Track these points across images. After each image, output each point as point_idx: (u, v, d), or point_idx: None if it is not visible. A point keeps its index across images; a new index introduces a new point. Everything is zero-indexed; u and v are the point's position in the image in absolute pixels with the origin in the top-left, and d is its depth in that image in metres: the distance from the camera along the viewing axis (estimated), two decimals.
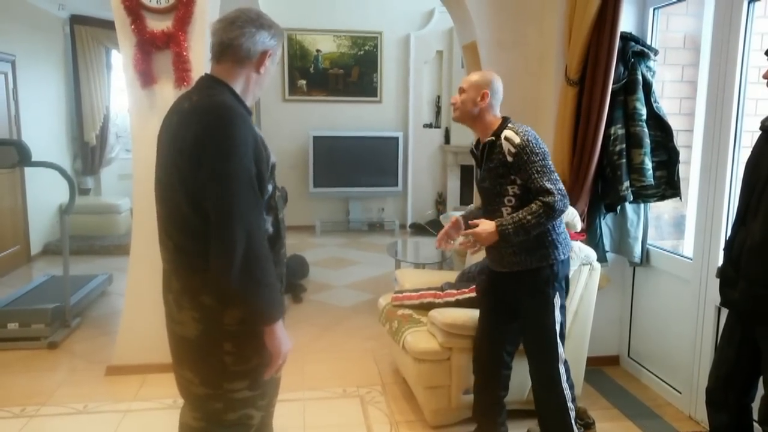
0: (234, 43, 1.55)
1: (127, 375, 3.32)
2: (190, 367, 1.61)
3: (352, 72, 7.57)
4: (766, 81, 1.98)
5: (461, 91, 2.30)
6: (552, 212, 2.13)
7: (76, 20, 6.67)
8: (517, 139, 2.16)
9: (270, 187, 1.58)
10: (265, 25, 1.60)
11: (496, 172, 2.22)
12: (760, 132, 2.06)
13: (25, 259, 5.88)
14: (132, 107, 3.22)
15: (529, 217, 2.12)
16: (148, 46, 3.09)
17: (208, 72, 1.63)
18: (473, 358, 2.59)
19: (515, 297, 2.36)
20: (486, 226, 2.16)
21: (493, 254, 2.35)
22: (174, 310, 1.60)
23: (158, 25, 3.09)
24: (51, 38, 6.49)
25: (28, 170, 5.69)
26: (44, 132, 6.22)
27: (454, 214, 5.68)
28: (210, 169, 1.44)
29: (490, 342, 2.51)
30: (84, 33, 6.71)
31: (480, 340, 2.55)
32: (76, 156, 7.01)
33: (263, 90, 1.72)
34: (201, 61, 3.16)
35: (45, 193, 6.15)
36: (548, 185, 2.13)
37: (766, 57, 1.97)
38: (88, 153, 6.98)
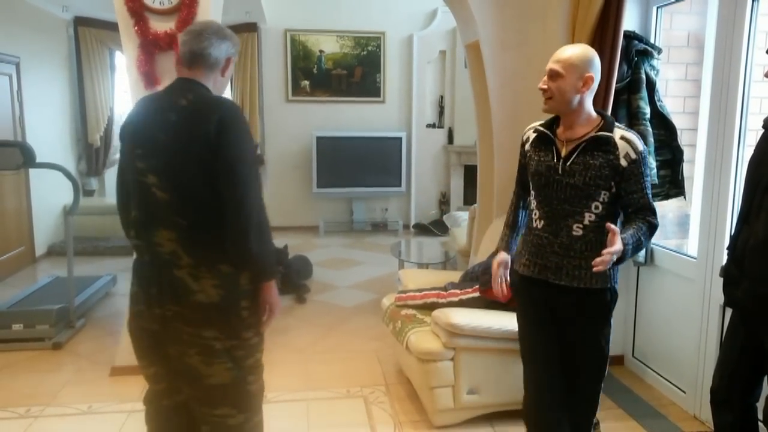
0: (204, 52, 1.85)
1: (132, 375, 3.30)
2: (215, 327, 1.85)
3: (355, 72, 7.57)
4: (766, 80, 1.97)
5: (555, 75, 1.91)
6: (653, 235, 1.96)
7: (79, 22, 6.69)
8: (640, 145, 1.91)
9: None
10: (228, 36, 1.91)
11: (597, 172, 1.91)
12: (762, 130, 2.05)
13: (29, 260, 5.90)
14: None
15: (643, 239, 1.88)
16: (152, 47, 3.09)
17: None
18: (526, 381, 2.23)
19: (568, 316, 2.05)
20: (619, 246, 1.80)
21: (549, 260, 2.02)
22: (189, 282, 1.81)
23: (161, 26, 3.10)
24: (55, 40, 6.51)
25: (32, 172, 5.71)
26: (48, 133, 6.24)
27: (457, 214, 5.70)
28: (231, 153, 1.75)
29: (544, 361, 2.15)
30: (87, 34, 6.73)
31: (531, 360, 2.20)
32: (80, 157, 7.04)
33: (222, 91, 1.98)
34: None
35: (49, 195, 6.17)
36: (654, 205, 1.95)
37: (767, 54, 1.97)
38: (92, 154, 7.00)
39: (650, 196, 1.95)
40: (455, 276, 3.39)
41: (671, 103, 3.23)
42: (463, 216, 5.31)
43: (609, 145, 1.92)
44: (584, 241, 1.96)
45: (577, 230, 1.96)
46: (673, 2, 3.18)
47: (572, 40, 3.17)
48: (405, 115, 7.72)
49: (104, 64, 6.92)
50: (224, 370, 1.88)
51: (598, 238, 1.93)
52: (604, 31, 2.98)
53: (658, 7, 3.25)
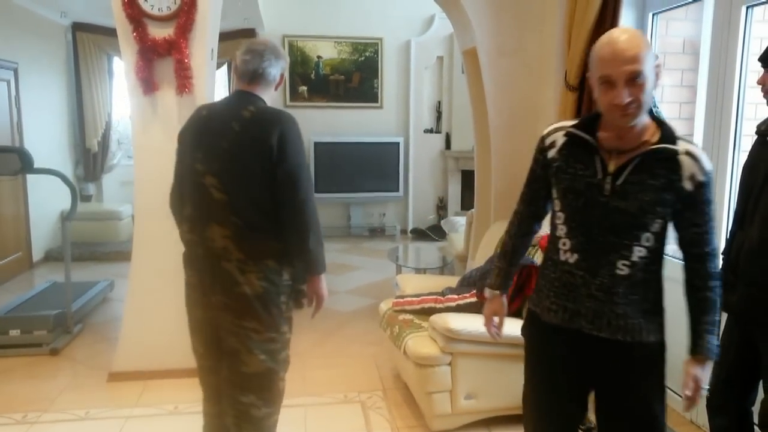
0: (264, 72, 2.08)
1: (129, 381, 3.32)
2: (256, 318, 2.04)
3: (353, 78, 7.59)
4: (760, 86, 1.99)
5: (637, 78, 1.42)
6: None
7: (78, 27, 6.71)
8: (707, 164, 1.51)
9: None
10: (282, 55, 2.15)
11: (657, 196, 1.50)
12: (756, 136, 2.07)
13: (27, 265, 5.89)
14: (134, 114, 3.24)
15: (717, 317, 1.62)
16: (150, 53, 3.10)
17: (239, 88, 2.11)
18: None
19: (608, 377, 1.66)
20: (699, 373, 1.61)
21: (584, 305, 1.60)
22: (236, 275, 2.01)
23: (160, 32, 3.11)
24: (53, 45, 6.52)
25: (29, 177, 5.71)
26: (46, 139, 6.24)
27: (454, 219, 5.71)
28: (293, 161, 1.97)
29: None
30: (86, 40, 6.75)
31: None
32: (78, 162, 7.04)
33: (274, 102, 2.19)
34: (202, 68, 3.18)
35: (47, 200, 6.16)
36: (716, 242, 1.59)
37: (759, 63, 1.99)
38: (90, 159, 7.01)
39: (714, 230, 1.56)
40: (453, 281, 3.40)
41: (667, 109, 3.25)
42: (461, 221, 5.32)
43: (672, 161, 1.50)
44: (630, 282, 1.56)
45: (623, 268, 1.55)
46: (669, 9, 3.20)
47: (568, 46, 3.20)
48: (402, 120, 7.74)
49: (102, 70, 6.94)
50: (259, 362, 2.07)
51: (646, 279, 1.58)
52: (600, 37, 2.99)
53: (653, 14, 3.27)
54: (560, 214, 1.64)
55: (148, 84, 3.14)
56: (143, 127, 3.23)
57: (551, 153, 1.66)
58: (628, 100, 1.43)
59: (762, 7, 2.68)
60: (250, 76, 2.07)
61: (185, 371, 3.23)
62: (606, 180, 1.54)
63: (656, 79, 1.48)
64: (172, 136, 3.18)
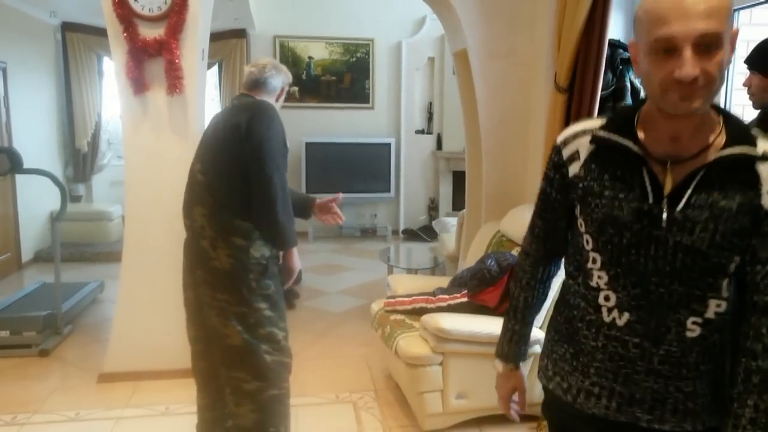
0: (266, 80, 2.34)
1: (119, 382, 3.31)
2: (227, 291, 2.17)
3: (345, 78, 7.59)
4: (746, 88, 2.03)
5: (711, 40, 0.97)
6: None
7: (67, 27, 6.67)
8: None
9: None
10: (284, 71, 2.41)
11: (733, 223, 1.05)
12: None
13: (15, 266, 5.84)
14: (124, 114, 3.23)
15: None
16: (140, 53, 3.10)
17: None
18: None
19: None
20: None
21: (641, 387, 1.15)
22: (209, 251, 2.18)
23: (150, 32, 3.11)
24: (42, 45, 6.48)
25: (19, 177, 5.67)
26: (35, 139, 6.20)
27: (446, 220, 5.73)
28: (258, 138, 2.11)
29: None
30: (75, 40, 6.71)
31: None
32: (68, 163, 6.99)
33: None
34: (193, 69, 3.18)
35: (36, 201, 6.12)
36: None
37: (746, 65, 2.02)
38: (80, 160, 6.97)
39: None
40: (444, 281, 3.42)
41: None
42: (452, 222, 5.34)
43: (748, 171, 1.05)
44: (702, 347, 1.12)
45: (694, 328, 1.10)
46: None
47: (558, 49, 3.22)
48: (394, 121, 7.76)
49: (92, 70, 6.90)
50: (236, 333, 2.18)
51: (721, 341, 1.13)
52: (589, 39, 3.03)
53: None
54: (594, 256, 1.16)
55: (138, 84, 3.14)
56: (134, 127, 3.22)
57: (573, 169, 1.19)
58: (695, 73, 0.96)
59: (748, 10, 2.72)
60: (251, 84, 2.33)
61: (177, 372, 3.24)
62: (661, 205, 1.07)
63: (731, 53, 1.03)
64: (162, 137, 3.22)
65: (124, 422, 2.92)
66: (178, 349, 3.29)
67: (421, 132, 7.91)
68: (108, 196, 7.33)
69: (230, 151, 2.16)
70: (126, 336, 3.34)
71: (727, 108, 2.64)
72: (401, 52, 7.56)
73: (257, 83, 2.34)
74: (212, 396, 2.36)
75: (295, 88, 7.45)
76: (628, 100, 3.11)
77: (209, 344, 2.28)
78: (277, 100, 2.40)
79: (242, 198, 2.15)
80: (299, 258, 2.34)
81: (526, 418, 2.83)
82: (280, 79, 2.39)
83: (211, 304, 2.21)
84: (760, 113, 2.02)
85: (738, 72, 2.67)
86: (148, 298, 3.27)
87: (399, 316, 3.09)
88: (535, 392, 2.83)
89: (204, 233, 2.20)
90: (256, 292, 2.20)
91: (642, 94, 3.16)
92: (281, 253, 2.31)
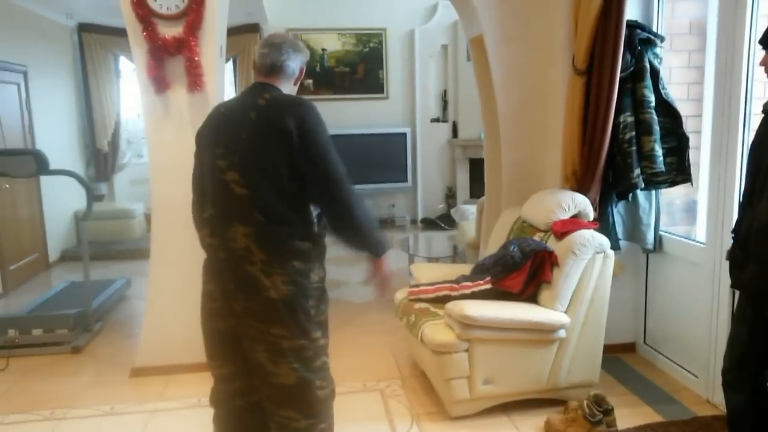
0: (283, 65, 1.99)
1: (152, 376, 3.38)
2: (283, 324, 1.89)
3: (358, 69, 7.60)
4: (763, 68, 2.00)
5: None
6: None
7: (83, 28, 6.75)
8: None
9: None
10: (301, 49, 2.06)
11: None
12: (763, 115, 2.08)
13: (43, 266, 5.97)
14: (146, 113, 3.27)
15: None
16: (160, 52, 3.14)
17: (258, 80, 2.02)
18: None
19: None
20: None
21: None
22: (261, 278, 1.87)
23: (169, 31, 3.14)
24: (60, 47, 6.57)
25: (43, 179, 5.78)
26: (57, 140, 6.30)
27: (464, 208, 5.72)
28: (319, 144, 1.87)
29: None
30: (92, 41, 6.79)
31: None
32: (89, 163, 7.11)
33: None
34: (213, 66, 3.21)
35: (60, 201, 6.24)
36: None
37: (760, 45, 2.00)
38: (101, 159, 7.08)
39: None
40: (466, 269, 3.43)
41: (675, 91, 3.25)
42: (471, 209, 5.34)
43: None
44: None
45: None
46: None
47: (575, 31, 3.20)
48: (409, 110, 7.75)
49: (109, 70, 6.99)
50: (290, 371, 1.92)
51: None
52: (607, 21, 3.00)
53: None
54: None
55: (159, 83, 3.18)
56: (156, 125, 3.26)
57: None
58: None
59: None
60: (267, 69, 2.00)
61: (207, 365, 3.30)
62: None
63: None
64: (184, 134, 3.26)
65: (158, 414, 2.99)
66: None
67: (437, 120, 7.90)
68: (129, 194, 7.44)
69: (281, 160, 1.84)
70: (157, 330, 3.41)
71: (748, 84, 2.61)
72: (414, 40, 7.54)
73: (274, 68, 2.00)
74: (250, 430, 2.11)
75: (310, 81, 7.47)
76: (648, 81, 3.08)
77: (253, 380, 2.00)
78: (295, 84, 2.10)
79: (300, 214, 1.89)
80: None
81: (553, 402, 2.86)
82: (299, 59, 2.05)
83: (259, 339, 1.91)
84: None
85: (759, 49, 2.62)
86: (176, 293, 3.32)
87: (423, 305, 3.11)
88: (562, 376, 2.86)
89: (251, 257, 1.87)
90: (314, 320, 1.95)
91: (661, 74, 3.13)
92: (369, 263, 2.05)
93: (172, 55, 3.17)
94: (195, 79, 3.16)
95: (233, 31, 6.79)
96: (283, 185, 1.85)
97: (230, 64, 7.24)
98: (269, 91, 1.96)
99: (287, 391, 1.94)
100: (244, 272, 1.88)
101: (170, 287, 3.37)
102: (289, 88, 2.04)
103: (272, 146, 1.84)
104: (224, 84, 3.57)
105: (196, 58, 3.15)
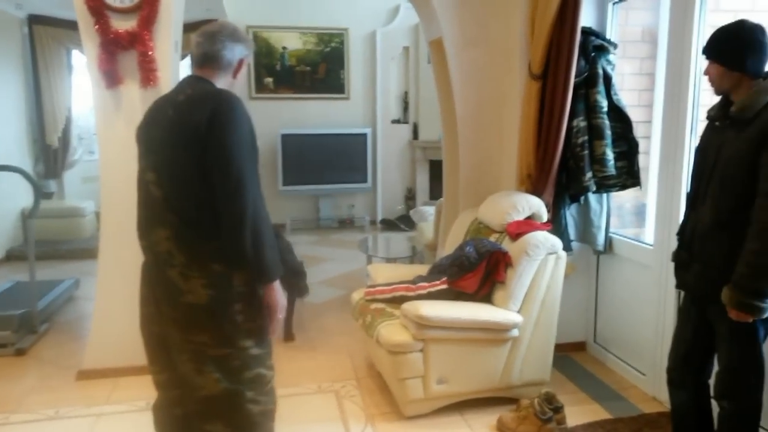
0: (217, 54, 1.84)
1: (99, 379, 3.28)
2: (204, 331, 1.76)
3: (319, 69, 7.56)
4: (707, 77, 2.08)
5: None
6: None
7: (34, 20, 6.50)
8: None
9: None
10: (241, 39, 1.90)
11: None
12: (707, 121, 2.17)
13: None
14: (97, 108, 3.18)
15: None
16: (113, 46, 3.05)
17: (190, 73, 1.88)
18: None
19: None
20: None
21: None
22: (179, 283, 1.75)
23: (122, 24, 3.06)
24: (8, 39, 6.32)
25: None
26: (4, 135, 6.06)
27: (423, 209, 5.76)
28: (224, 142, 1.67)
29: None
30: (43, 33, 6.55)
31: None
32: (38, 159, 6.85)
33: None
34: (167, 61, 3.14)
35: (5, 199, 6.00)
36: None
37: (703, 56, 2.08)
38: (50, 156, 6.83)
39: None
40: (423, 270, 3.45)
41: (627, 97, 3.34)
42: (430, 211, 5.37)
43: None
44: None
45: None
46: None
47: (532, 36, 3.25)
48: (370, 111, 7.75)
49: (61, 64, 6.75)
50: (214, 382, 1.78)
51: None
52: (562, 27, 3.06)
53: (613, 4, 3.36)
54: None
55: (111, 77, 3.09)
56: (107, 120, 3.18)
57: None
58: None
59: None
60: (200, 59, 1.85)
61: (148, 369, 3.24)
62: None
63: None
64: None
65: (104, 418, 2.90)
66: None
67: (397, 121, 7.92)
68: (80, 192, 7.21)
69: (191, 158, 1.69)
70: (105, 332, 3.31)
71: (696, 92, 2.71)
72: (376, 41, 7.55)
73: (206, 58, 1.84)
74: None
75: (270, 79, 7.40)
76: (601, 87, 3.15)
77: (183, 390, 1.88)
78: (234, 76, 1.92)
79: (213, 215, 1.71)
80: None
81: (506, 400, 2.90)
82: (238, 50, 1.88)
83: (182, 348, 1.79)
84: (722, 98, 2.08)
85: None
86: (125, 294, 3.21)
87: (379, 305, 3.11)
88: (514, 375, 2.90)
89: (171, 260, 1.75)
90: (242, 327, 1.78)
91: (613, 80, 3.21)
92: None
93: (124, 49, 3.08)
94: (148, 74, 3.09)
95: (191, 27, 6.59)
96: (194, 186, 1.71)
97: (187, 60, 7.10)
98: (196, 85, 1.81)
99: (214, 404, 1.80)
100: (166, 276, 1.77)
101: (119, 288, 3.27)
102: (226, 81, 1.89)
103: (182, 145, 1.71)
104: (179, 80, 3.49)
105: (150, 53, 3.08)
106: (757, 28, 1.96)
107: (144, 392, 3.09)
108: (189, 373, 1.81)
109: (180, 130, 1.72)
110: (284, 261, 2.64)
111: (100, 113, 3.18)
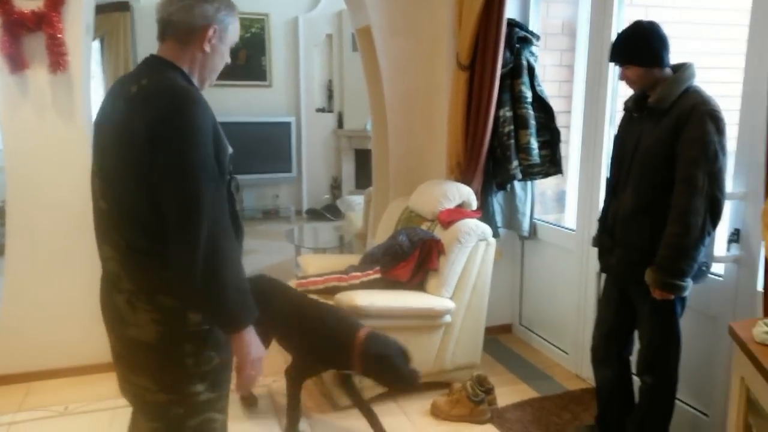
0: (172, 18, 1.43)
1: (9, 384, 3.05)
2: (147, 374, 1.45)
3: (240, 55, 7.33)
4: (625, 81, 2.17)
5: None
6: None
7: None
8: None
9: (227, 178, 1.51)
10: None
11: None
12: (624, 112, 2.28)
13: None
14: (1, 95, 2.93)
15: None
16: (17, 27, 2.80)
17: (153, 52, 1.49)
18: None
19: None
20: None
21: None
22: (126, 312, 1.43)
23: (28, 4, 2.81)
24: None
25: None
26: None
27: (350, 198, 5.74)
28: (167, 159, 1.30)
29: None
30: None
31: None
32: None
33: (215, 73, 1.54)
34: (78, 44, 2.94)
35: None
36: None
37: (613, 63, 2.17)
38: None
39: None
40: (354, 259, 3.43)
41: (548, 88, 3.46)
42: (358, 200, 5.37)
43: None
44: None
45: None
46: None
47: (459, 27, 3.29)
48: (293, 99, 7.62)
49: None
50: (150, 431, 1.51)
51: None
52: (489, 18, 3.12)
53: None
54: None
55: (15, 61, 2.85)
56: (12, 108, 2.93)
57: None
58: None
59: None
60: (160, 30, 1.47)
61: (74, 369, 3.10)
62: None
63: None
64: (45, 117, 2.97)
65: (17, 427, 2.71)
66: (74, 344, 3.11)
67: (322, 110, 7.84)
68: None
69: (136, 168, 1.33)
70: (15, 334, 3.08)
71: (614, 83, 2.83)
72: (298, 27, 7.42)
73: (164, 25, 1.45)
74: None
75: None
76: (525, 78, 3.25)
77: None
78: (202, 50, 1.46)
79: (163, 243, 1.35)
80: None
81: (439, 384, 2.95)
82: (202, 13, 1.43)
83: (124, 387, 1.52)
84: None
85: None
86: (37, 292, 3.03)
87: (312, 296, 3.07)
88: (447, 359, 2.95)
89: (119, 284, 1.44)
90: (193, 371, 1.44)
91: (537, 71, 3.31)
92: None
93: (30, 31, 2.84)
94: (57, 59, 2.87)
95: (101, 9, 6.26)
96: (140, 207, 1.36)
97: (97, 45, 6.69)
98: (152, 72, 1.42)
99: None
100: (113, 301, 1.47)
101: (29, 286, 3.06)
102: (192, 58, 1.46)
103: (128, 154, 1.35)
104: (90, 65, 3.28)
105: (59, 36, 2.86)
106: (654, 24, 2.09)
107: (62, 396, 2.94)
108: (137, 417, 1.58)
109: (126, 132, 1.35)
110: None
111: (4, 100, 2.93)
